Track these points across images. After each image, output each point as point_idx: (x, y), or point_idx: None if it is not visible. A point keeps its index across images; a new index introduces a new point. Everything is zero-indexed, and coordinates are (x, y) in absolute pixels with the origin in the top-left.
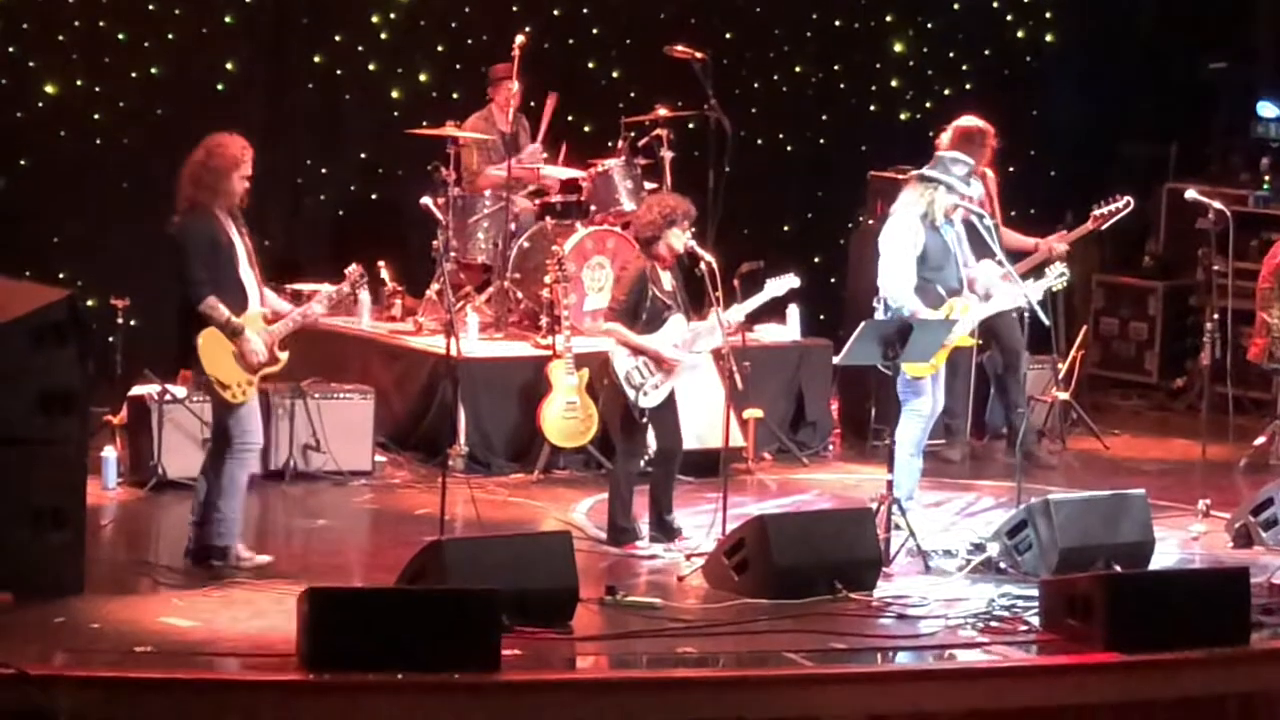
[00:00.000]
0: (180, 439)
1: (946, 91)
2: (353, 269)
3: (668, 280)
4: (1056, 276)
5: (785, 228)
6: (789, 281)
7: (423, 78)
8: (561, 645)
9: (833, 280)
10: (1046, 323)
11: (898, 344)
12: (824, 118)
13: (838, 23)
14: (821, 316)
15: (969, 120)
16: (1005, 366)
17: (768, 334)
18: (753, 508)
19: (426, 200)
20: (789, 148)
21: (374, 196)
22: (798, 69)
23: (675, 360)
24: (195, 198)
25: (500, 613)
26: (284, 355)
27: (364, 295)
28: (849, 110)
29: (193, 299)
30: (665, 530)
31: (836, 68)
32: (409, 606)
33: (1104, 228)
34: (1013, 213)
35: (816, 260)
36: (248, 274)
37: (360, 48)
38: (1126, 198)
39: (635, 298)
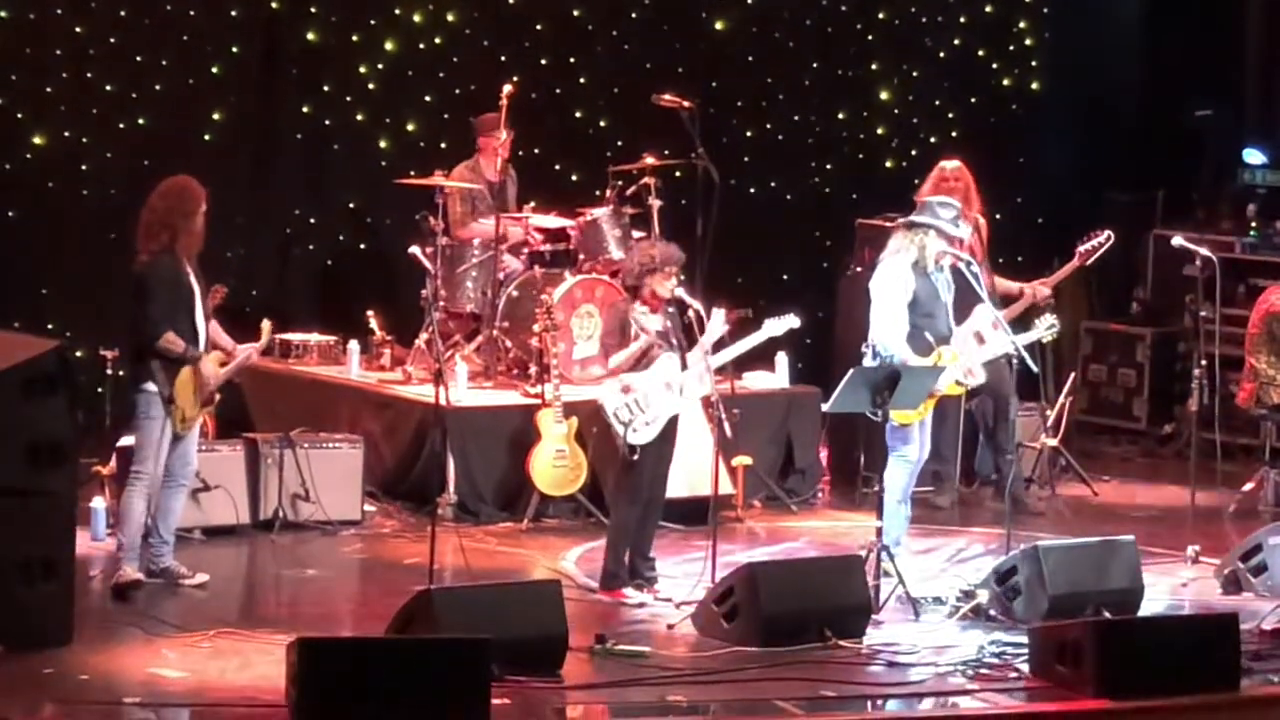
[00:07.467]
0: None
1: (932, 139)
2: (266, 325)
3: (656, 322)
4: (1046, 328)
5: (774, 275)
6: (789, 322)
7: (411, 127)
8: (551, 694)
9: (821, 328)
10: (1035, 369)
11: (886, 391)
12: (811, 165)
13: (823, 71)
14: (809, 364)
15: (944, 163)
16: (994, 413)
17: (756, 381)
18: (742, 555)
19: (415, 249)
20: (777, 196)
21: (362, 246)
22: (784, 117)
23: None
24: (165, 239)
25: (490, 662)
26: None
27: (353, 345)
28: (835, 158)
29: (149, 336)
30: (637, 574)
31: (823, 116)
32: (398, 656)
33: (1089, 263)
34: (1000, 259)
35: (805, 307)
36: (199, 317)
37: (348, 98)
38: (1107, 231)
39: (619, 334)
